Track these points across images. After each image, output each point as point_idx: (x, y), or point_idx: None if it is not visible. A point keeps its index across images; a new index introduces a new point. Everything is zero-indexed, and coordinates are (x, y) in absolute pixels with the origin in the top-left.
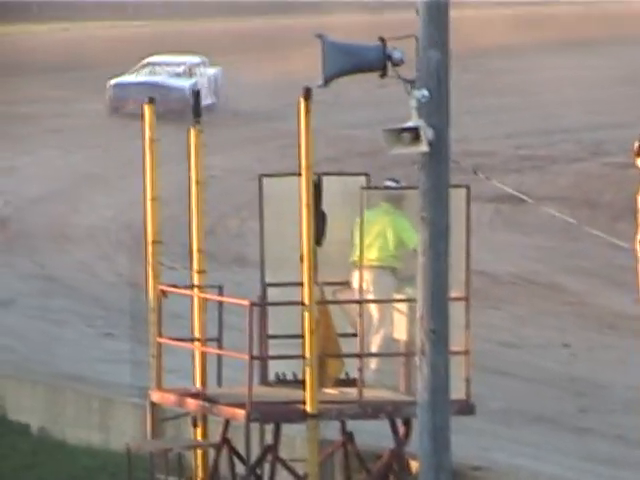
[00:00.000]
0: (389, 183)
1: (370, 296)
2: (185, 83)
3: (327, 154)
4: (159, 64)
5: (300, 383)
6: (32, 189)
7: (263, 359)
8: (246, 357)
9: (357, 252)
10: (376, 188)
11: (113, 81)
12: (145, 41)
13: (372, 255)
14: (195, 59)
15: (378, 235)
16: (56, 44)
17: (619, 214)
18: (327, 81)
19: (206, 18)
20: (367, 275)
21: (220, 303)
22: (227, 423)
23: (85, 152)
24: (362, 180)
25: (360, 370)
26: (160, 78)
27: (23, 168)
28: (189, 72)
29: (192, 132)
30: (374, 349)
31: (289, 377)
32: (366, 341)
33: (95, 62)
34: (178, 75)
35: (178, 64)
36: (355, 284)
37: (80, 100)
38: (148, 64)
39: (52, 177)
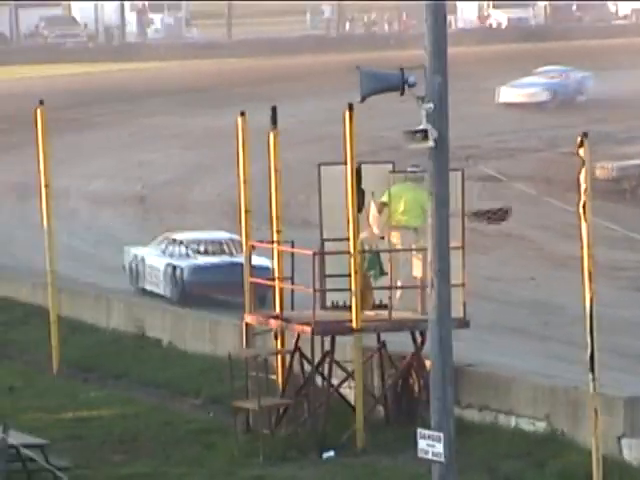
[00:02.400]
0: (411, 168)
1: (399, 247)
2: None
3: (365, 149)
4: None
5: (348, 308)
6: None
7: (322, 291)
8: (310, 290)
9: (390, 216)
10: (399, 172)
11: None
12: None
13: (403, 218)
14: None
15: (407, 205)
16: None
17: (570, 187)
18: (364, 98)
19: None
20: (399, 232)
21: (292, 253)
22: (298, 336)
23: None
24: (389, 167)
25: (390, 298)
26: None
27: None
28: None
29: (271, 135)
30: (399, 283)
31: (341, 304)
32: (394, 278)
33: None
34: None
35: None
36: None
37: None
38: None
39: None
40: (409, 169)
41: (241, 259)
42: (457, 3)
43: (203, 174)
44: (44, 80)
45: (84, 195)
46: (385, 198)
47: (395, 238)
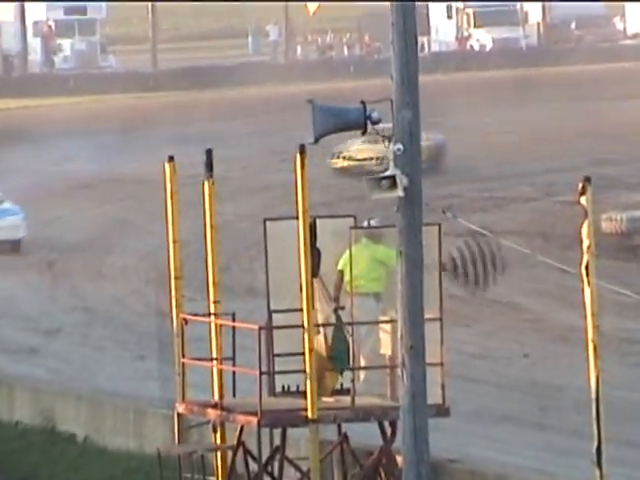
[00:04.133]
0: (373, 222)
1: (359, 319)
2: None
3: (321, 200)
4: None
5: (302, 393)
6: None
7: (270, 374)
8: (256, 372)
9: (348, 281)
10: (362, 227)
11: None
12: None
13: (359, 283)
14: None
15: (361, 266)
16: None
17: (569, 244)
18: (317, 139)
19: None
20: (356, 301)
21: (233, 328)
22: (242, 429)
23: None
24: (350, 221)
25: (352, 381)
26: None
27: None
28: None
29: (206, 184)
30: (363, 363)
31: (293, 389)
32: (357, 356)
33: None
34: None
35: None
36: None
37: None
38: None
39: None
40: (365, 223)
41: None
42: (432, 23)
43: (123, 233)
44: None
45: None
46: (342, 264)
47: (355, 308)
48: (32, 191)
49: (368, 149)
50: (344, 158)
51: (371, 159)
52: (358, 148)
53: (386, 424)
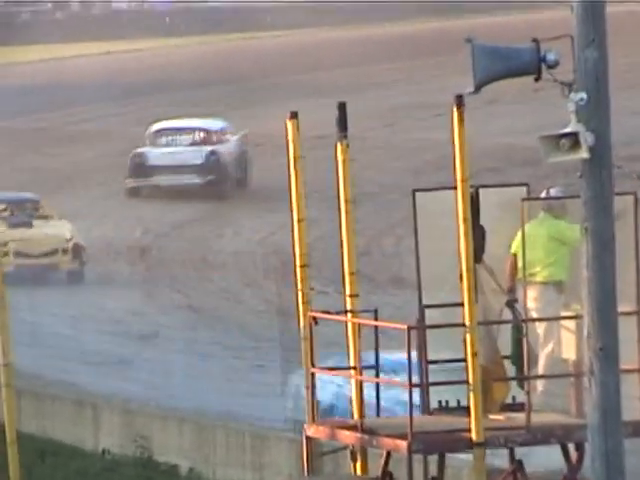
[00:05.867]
0: (552, 192)
1: (534, 315)
2: None
3: (486, 165)
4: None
5: (464, 410)
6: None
7: (424, 386)
8: (406, 385)
9: (521, 268)
10: (538, 199)
11: None
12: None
13: (534, 270)
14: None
15: (538, 248)
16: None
17: None
18: (478, 87)
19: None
20: (530, 292)
21: (376, 328)
22: (388, 455)
23: None
24: (522, 191)
25: (527, 393)
26: None
27: None
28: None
29: (339, 147)
30: (540, 370)
31: (452, 404)
32: (532, 361)
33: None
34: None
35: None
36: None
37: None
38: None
39: None
40: (544, 193)
41: None
42: None
43: (235, 209)
44: None
45: None
46: (515, 246)
47: (530, 300)
48: (118, 159)
49: (45, 238)
50: (13, 254)
51: (64, 252)
52: (23, 238)
53: (571, 447)
